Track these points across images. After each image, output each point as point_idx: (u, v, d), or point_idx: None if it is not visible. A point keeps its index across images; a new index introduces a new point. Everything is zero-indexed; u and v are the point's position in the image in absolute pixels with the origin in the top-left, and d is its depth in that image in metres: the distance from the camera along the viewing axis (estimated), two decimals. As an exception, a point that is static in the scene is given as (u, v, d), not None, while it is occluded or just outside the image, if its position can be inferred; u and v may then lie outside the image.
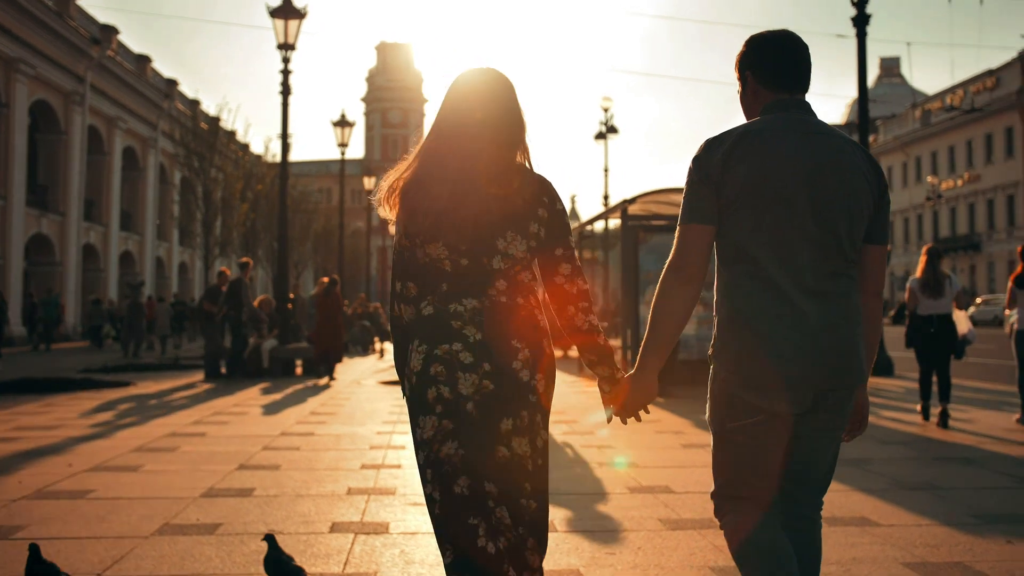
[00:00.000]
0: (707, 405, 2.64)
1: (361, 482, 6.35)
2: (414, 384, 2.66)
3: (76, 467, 6.98)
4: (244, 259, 17.19)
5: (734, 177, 2.50)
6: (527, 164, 2.75)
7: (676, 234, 2.60)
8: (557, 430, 9.00)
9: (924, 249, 9.82)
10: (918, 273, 9.66)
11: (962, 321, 9.65)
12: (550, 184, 2.72)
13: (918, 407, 9.80)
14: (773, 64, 2.65)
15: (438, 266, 2.65)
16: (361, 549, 4.63)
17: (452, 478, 2.62)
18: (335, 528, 5.04)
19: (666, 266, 2.59)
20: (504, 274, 2.64)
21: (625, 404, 2.66)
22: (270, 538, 3.87)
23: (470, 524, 2.60)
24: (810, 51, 2.69)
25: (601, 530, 4.95)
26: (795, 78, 2.64)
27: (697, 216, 2.55)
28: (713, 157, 2.54)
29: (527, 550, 2.64)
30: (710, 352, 2.64)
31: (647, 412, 2.70)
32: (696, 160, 2.58)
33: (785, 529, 2.63)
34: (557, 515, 5.28)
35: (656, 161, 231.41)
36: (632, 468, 6.82)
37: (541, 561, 2.68)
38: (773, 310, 2.48)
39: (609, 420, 2.77)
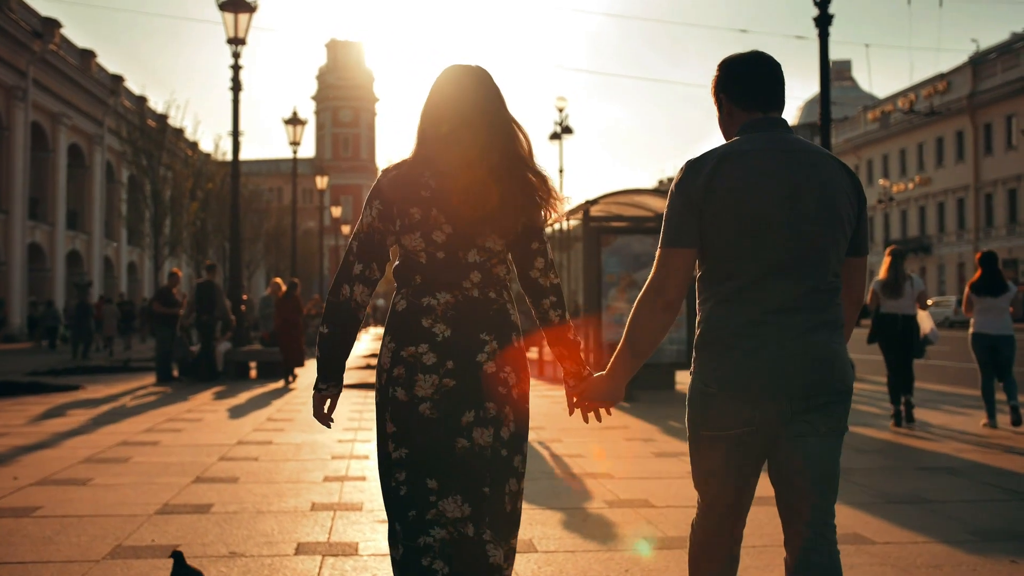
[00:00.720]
0: (686, 412, 2.68)
1: (325, 496, 6.06)
2: (383, 382, 2.70)
3: (22, 480, 6.61)
4: (209, 262, 16.82)
5: (716, 200, 2.53)
6: (522, 157, 2.75)
7: (657, 256, 2.62)
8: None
9: (888, 250, 9.98)
10: (881, 274, 9.79)
11: (925, 321, 9.73)
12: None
13: (891, 412, 9.76)
14: (745, 85, 2.68)
15: (413, 258, 2.68)
16: (330, 574, 4.35)
17: (391, 473, 2.70)
18: (301, 549, 4.75)
19: (646, 286, 2.62)
20: (480, 267, 2.67)
21: (589, 400, 2.72)
22: (177, 555, 3.71)
23: (409, 516, 2.65)
24: (782, 69, 2.72)
25: (583, 550, 4.71)
26: (768, 97, 2.67)
27: (679, 240, 2.57)
28: (694, 181, 2.56)
29: (488, 543, 2.64)
30: (691, 369, 2.67)
31: (608, 413, 2.78)
32: (678, 184, 2.60)
33: (795, 548, 2.61)
34: (536, 532, 5.04)
35: (608, 161, 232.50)
36: (607, 479, 6.60)
37: (506, 555, 2.69)
38: (753, 327, 2.52)
39: (571, 413, 2.84)
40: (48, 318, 31.63)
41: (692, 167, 2.59)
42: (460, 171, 2.64)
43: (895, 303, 9.61)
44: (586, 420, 2.82)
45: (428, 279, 2.67)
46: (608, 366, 2.69)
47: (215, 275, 16.47)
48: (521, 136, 2.77)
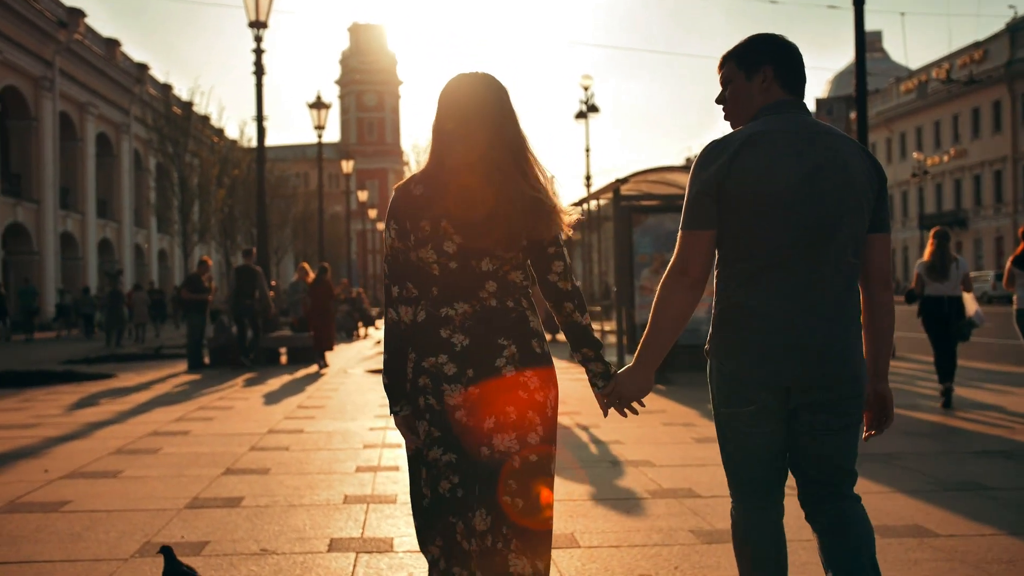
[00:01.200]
0: (709, 392, 2.74)
1: (358, 488, 5.89)
2: (408, 391, 2.73)
3: (52, 473, 6.51)
4: (247, 247, 16.76)
5: (737, 180, 2.54)
6: (530, 169, 2.70)
7: (679, 238, 2.65)
8: (559, 422, 8.57)
9: (932, 232, 9.85)
10: (925, 256, 9.64)
11: (970, 303, 9.50)
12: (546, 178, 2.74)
13: (939, 391, 9.50)
14: (794, 65, 2.71)
15: (427, 270, 2.68)
16: (364, 573, 4.17)
17: (438, 479, 2.68)
18: (334, 546, 4.58)
19: (668, 269, 2.65)
20: (494, 275, 2.66)
21: (620, 397, 2.72)
22: (166, 550, 3.63)
23: (450, 522, 2.65)
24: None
25: (628, 544, 4.50)
26: (803, 84, 2.74)
27: (700, 222, 2.60)
28: (717, 161, 2.58)
29: (511, 552, 2.60)
30: (706, 347, 2.70)
31: (642, 406, 2.77)
32: (699, 166, 2.62)
33: (823, 513, 2.67)
34: (578, 525, 4.85)
35: (629, 139, 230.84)
36: (648, 467, 6.39)
37: (535, 567, 2.62)
38: (768, 308, 2.55)
39: (606, 414, 2.83)
40: (85, 305, 31.86)
41: (715, 148, 2.61)
42: (458, 173, 2.63)
43: (941, 286, 9.41)
44: (623, 415, 2.79)
45: (444, 290, 2.68)
46: (634, 357, 2.71)
47: (252, 259, 16.40)
48: (528, 143, 2.72)
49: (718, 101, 2.82)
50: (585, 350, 2.76)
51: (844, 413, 2.59)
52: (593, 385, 2.78)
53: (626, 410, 2.76)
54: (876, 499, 5.25)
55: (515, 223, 2.61)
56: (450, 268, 2.64)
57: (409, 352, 2.71)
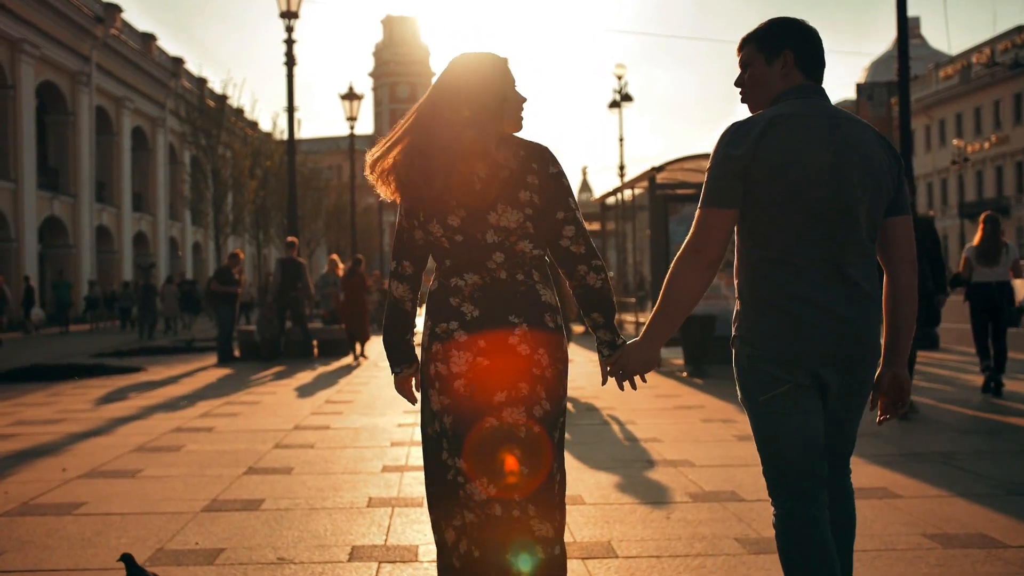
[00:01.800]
0: (737, 386, 2.67)
1: (383, 490, 5.63)
2: (422, 360, 2.78)
3: (70, 472, 6.32)
4: (291, 239, 16.67)
5: (763, 163, 2.51)
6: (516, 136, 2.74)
7: (696, 216, 2.61)
8: (594, 419, 8.27)
9: (982, 217, 9.75)
10: (975, 241, 9.47)
11: (1020, 289, 9.18)
12: (543, 149, 2.73)
13: (980, 367, 9.25)
14: (816, 51, 2.68)
15: (439, 244, 2.72)
16: (386, 585, 3.91)
17: (441, 451, 2.71)
18: (355, 555, 4.32)
19: (684, 246, 2.61)
20: (500, 246, 2.67)
21: (624, 369, 2.70)
22: (126, 558, 3.54)
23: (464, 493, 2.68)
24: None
25: (669, 555, 4.19)
26: (823, 69, 2.71)
27: (720, 200, 2.57)
28: (741, 143, 2.55)
29: (531, 519, 2.63)
30: (732, 334, 2.66)
31: (643, 381, 2.77)
32: (723, 146, 2.59)
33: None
34: (615, 532, 4.55)
35: (648, 128, 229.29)
36: (688, 467, 6.07)
37: (556, 529, 2.67)
38: (794, 291, 2.52)
39: (604, 382, 2.87)
40: (124, 299, 32.02)
41: (740, 128, 2.59)
42: (468, 160, 2.65)
43: (990, 271, 9.24)
44: (621, 388, 2.78)
45: (455, 262, 2.72)
46: (643, 331, 2.69)
47: (295, 251, 16.32)
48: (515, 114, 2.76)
49: (737, 84, 2.77)
50: (595, 315, 2.76)
51: (864, 391, 2.64)
52: (599, 352, 2.78)
53: (626, 383, 2.74)
54: (933, 503, 4.91)
55: (519, 190, 2.67)
56: (456, 241, 2.69)
57: (424, 320, 2.78)
